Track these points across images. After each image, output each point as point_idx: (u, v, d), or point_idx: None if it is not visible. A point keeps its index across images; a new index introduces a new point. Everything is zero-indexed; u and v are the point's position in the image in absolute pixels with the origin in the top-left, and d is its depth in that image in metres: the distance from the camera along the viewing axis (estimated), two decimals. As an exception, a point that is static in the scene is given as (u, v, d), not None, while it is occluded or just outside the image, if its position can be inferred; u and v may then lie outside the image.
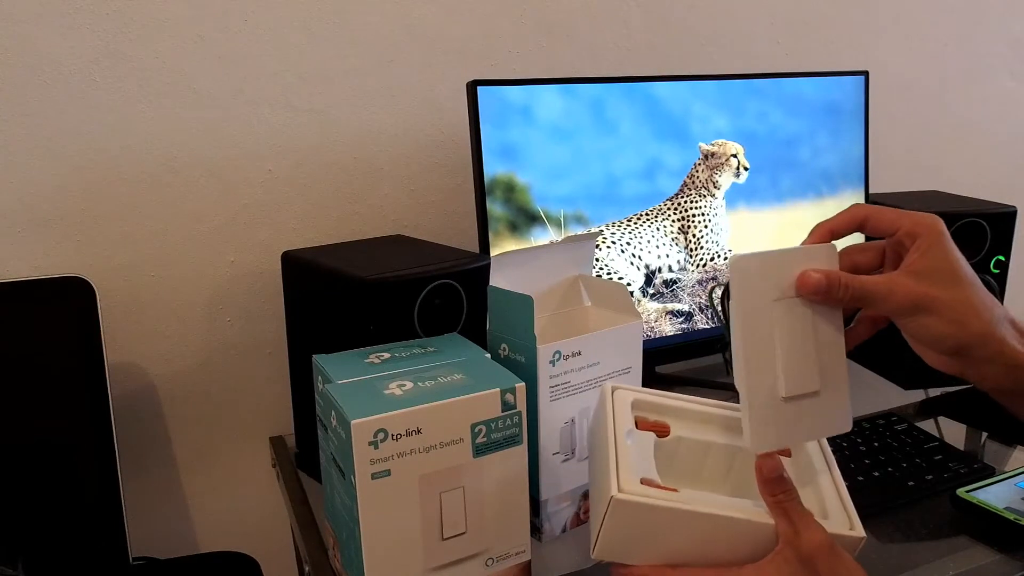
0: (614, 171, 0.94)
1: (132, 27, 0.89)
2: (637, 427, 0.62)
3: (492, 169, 0.87)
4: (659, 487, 0.55)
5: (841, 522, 0.54)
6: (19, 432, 0.81)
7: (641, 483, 0.55)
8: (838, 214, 0.58)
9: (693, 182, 0.99)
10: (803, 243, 0.58)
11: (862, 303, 0.55)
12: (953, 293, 0.54)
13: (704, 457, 0.63)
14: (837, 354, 0.57)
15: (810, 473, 0.59)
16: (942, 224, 0.56)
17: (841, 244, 0.58)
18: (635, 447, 0.59)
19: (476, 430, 0.60)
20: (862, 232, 0.58)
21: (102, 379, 0.83)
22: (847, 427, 0.58)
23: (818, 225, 0.58)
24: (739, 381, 0.55)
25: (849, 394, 0.58)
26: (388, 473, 0.57)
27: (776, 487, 0.52)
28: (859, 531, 0.54)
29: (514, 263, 0.71)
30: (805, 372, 0.56)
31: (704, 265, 1.01)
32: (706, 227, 1.00)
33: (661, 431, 0.63)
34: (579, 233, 0.92)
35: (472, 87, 0.86)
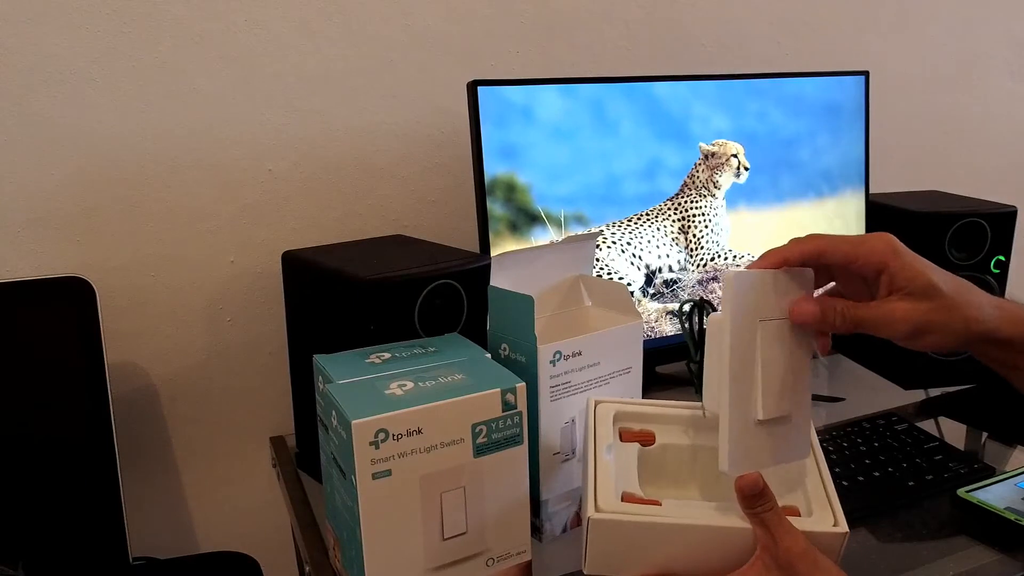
0: (614, 171, 0.94)
1: (132, 27, 0.89)
2: (621, 439, 0.62)
3: (492, 169, 0.87)
4: (640, 500, 0.56)
5: (825, 519, 0.55)
6: (19, 432, 0.80)
7: (622, 498, 0.56)
8: (793, 243, 0.56)
9: (693, 182, 0.98)
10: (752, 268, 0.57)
11: (860, 329, 0.55)
12: (947, 311, 0.55)
13: (692, 461, 0.63)
14: (805, 381, 0.57)
15: (798, 469, 0.59)
16: (895, 240, 0.56)
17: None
18: (617, 461, 0.60)
19: (477, 430, 0.60)
20: (817, 263, 0.56)
21: (102, 379, 0.82)
22: (807, 454, 0.59)
23: (769, 251, 0.56)
24: (720, 401, 0.55)
25: (811, 417, 0.58)
26: (389, 473, 0.57)
27: (755, 502, 0.53)
28: (843, 527, 0.54)
29: (514, 263, 0.71)
30: (781, 396, 0.56)
31: (704, 265, 1.01)
32: (706, 227, 1.00)
33: (646, 440, 0.63)
34: (579, 233, 0.92)
35: (472, 87, 0.86)
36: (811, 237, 0.56)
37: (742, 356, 0.55)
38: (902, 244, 0.56)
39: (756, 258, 0.57)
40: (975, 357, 0.60)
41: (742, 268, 0.54)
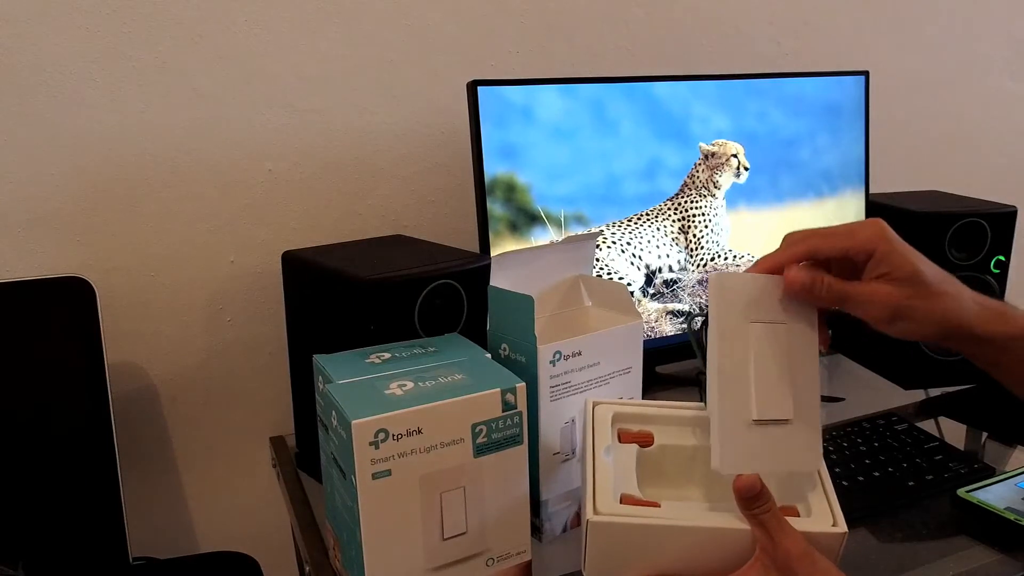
0: (614, 171, 0.94)
1: (132, 27, 0.89)
2: (620, 440, 0.62)
3: (492, 169, 0.87)
4: (638, 502, 0.56)
5: (824, 519, 0.55)
6: (19, 432, 0.80)
7: (621, 500, 0.56)
8: (786, 249, 0.56)
9: (693, 182, 0.98)
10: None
11: (842, 304, 0.56)
12: (927, 299, 0.55)
13: (692, 461, 0.63)
14: (811, 388, 0.57)
15: None
16: (886, 227, 0.56)
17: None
18: (615, 463, 0.59)
19: (477, 430, 0.60)
20: (812, 262, 0.56)
21: (102, 379, 0.83)
22: (815, 465, 0.58)
23: (763, 258, 0.57)
24: (711, 400, 0.55)
25: (820, 431, 0.57)
26: (389, 473, 0.57)
27: (753, 503, 0.53)
28: (841, 527, 0.54)
29: (514, 263, 0.71)
30: (778, 398, 0.55)
31: (704, 265, 1.01)
32: (706, 227, 1.00)
33: (644, 441, 0.63)
34: (579, 233, 0.92)
35: (472, 87, 0.86)
36: (803, 240, 0.57)
37: (734, 355, 0.55)
38: (892, 231, 0.56)
39: (753, 263, 0.57)
40: (956, 351, 0.60)
41: (726, 271, 0.54)
